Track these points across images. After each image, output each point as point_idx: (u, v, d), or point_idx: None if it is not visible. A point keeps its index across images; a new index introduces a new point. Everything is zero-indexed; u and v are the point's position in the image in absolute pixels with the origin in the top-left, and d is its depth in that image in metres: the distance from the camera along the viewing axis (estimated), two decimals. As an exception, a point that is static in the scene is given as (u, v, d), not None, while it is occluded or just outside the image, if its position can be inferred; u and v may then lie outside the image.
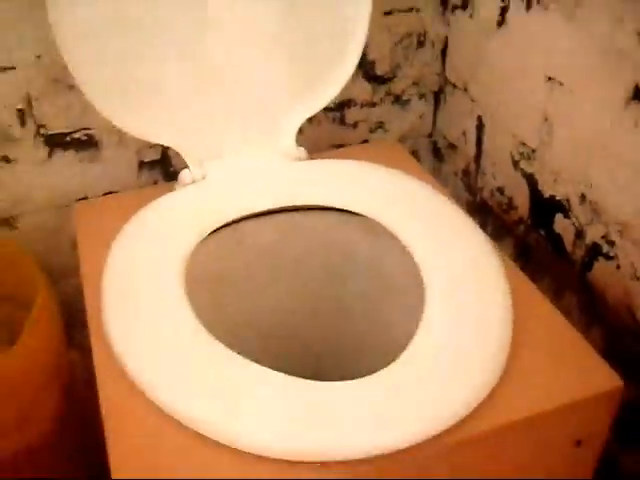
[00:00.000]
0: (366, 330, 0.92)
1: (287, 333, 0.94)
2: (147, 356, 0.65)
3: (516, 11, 0.91)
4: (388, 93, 1.11)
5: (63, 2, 0.76)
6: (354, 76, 0.93)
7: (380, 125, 1.14)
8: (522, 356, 0.66)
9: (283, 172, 0.89)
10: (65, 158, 0.98)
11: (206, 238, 0.81)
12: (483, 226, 1.07)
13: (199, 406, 0.61)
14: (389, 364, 0.63)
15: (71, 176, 0.99)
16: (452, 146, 1.14)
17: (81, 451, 0.90)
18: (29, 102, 0.92)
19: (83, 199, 1.00)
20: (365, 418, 0.58)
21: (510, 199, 1.01)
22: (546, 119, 0.89)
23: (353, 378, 0.61)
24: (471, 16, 1.02)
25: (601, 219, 0.83)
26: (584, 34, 0.80)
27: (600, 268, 0.85)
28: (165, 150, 1.02)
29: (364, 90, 1.10)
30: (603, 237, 0.83)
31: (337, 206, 0.85)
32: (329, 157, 0.93)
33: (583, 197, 0.85)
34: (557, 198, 0.90)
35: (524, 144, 0.95)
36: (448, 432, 0.59)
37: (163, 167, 1.04)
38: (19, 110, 0.92)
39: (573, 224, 0.88)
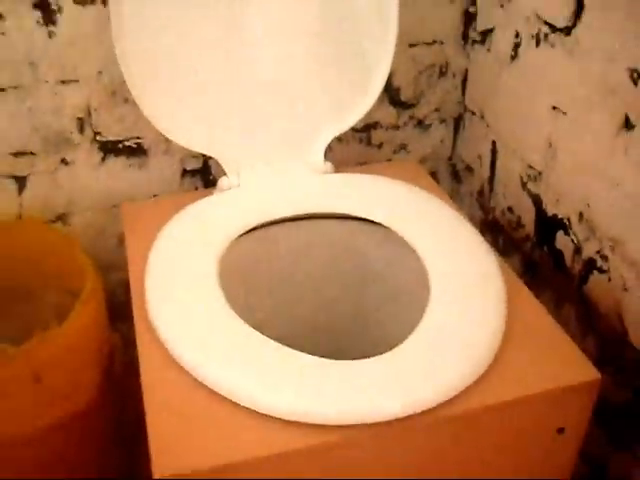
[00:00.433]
0: (379, 335, 0.99)
1: (306, 334, 1.00)
2: (188, 337, 0.74)
3: (527, 47, 0.99)
4: (411, 117, 1.18)
5: (128, 36, 0.85)
6: (381, 101, 0.99)
7: (403, 147, 1.21)
8: (511, 348, 0.74)
9: (310, 183, 0.97)
10: (117, 163, 1.06)
11: (237, 239, 0.89)
12: (494, 243, 1.14)
13: (240, 381, 0.69)
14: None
15: (121, 179, 1.07)
16: (469, 168, 1.21)
17: (117, 422, 0.99)
18: (88, 112, 1.00)
19: (130, 200, 1.07)
20: (379, 389, 0.68)
21: (519, 218, 1.08)
22: (550, 144, 0.97)
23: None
24: (489, 50, 1.09)
25: (596, 236, 0.90)
26: (583, 69, 0.88)
27: (594, 281, 0.92)
28: (207, 160, 1.09)
29: (389, 114, 1.16)
30: (598, 252, 0.91)
31: (358, 215, 0.93)
32: (353, 172, 1.01)
33: (581, 215, 0.93)
34: (559, 217, 0.98)
35: (531, 167, 1.02)
36: (443, 406, 0.68)
37: (203, 175, 1.11)
38: (79, 118, 1.00)
39: (572, 241, 0.95)
